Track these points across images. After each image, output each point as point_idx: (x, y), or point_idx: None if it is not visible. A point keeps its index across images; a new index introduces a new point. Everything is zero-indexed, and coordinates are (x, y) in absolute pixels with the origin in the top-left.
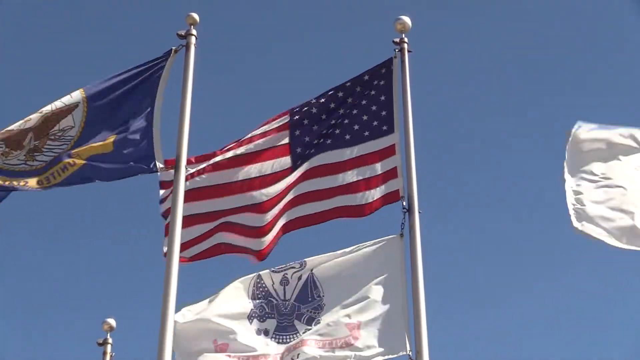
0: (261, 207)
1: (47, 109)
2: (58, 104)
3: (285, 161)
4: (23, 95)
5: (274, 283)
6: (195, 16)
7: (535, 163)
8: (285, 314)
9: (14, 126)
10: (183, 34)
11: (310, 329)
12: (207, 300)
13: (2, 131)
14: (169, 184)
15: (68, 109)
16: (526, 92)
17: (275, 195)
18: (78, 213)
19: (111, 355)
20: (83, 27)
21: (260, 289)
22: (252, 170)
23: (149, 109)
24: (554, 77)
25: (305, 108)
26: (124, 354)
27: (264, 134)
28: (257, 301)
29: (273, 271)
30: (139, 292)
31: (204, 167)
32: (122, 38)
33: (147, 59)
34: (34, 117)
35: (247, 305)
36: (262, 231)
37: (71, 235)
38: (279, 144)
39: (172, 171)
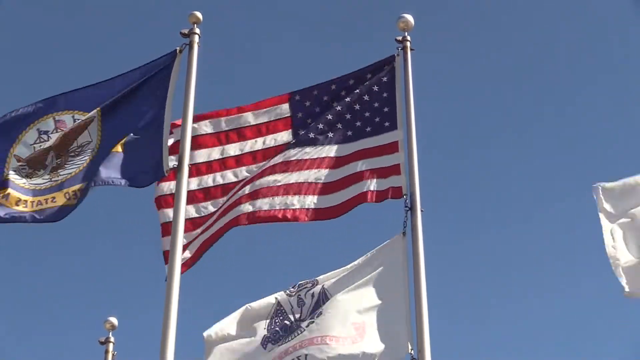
0: (249, 181)
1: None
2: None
3: (287, 136)
4: (25, 96)
5: (292, 307)
6: (199, 15)
7: (539, 162)
8: (295, 329)
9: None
10: (186, 32)
11: (314, 321)
12: (233, 322)
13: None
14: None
15: (84, 124)
16: (528, 90)
17: (266, 168)
18: (80, 211)
19: (113, 354)
20: (85, 25)
21: (280, 316)
22: (248, 145)
23: (158, 116)
24: (556, 76)
25: (306, 91)
26: (126, 353)
27: (259, 105)
28: (273, 327)
29: (289, 295)
30: (141, 290)
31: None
32: (125, 37)
33: (151, 57)
34: (53, 136)
35: (263, 333)
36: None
37: (73, 234)
38: (280, 117)
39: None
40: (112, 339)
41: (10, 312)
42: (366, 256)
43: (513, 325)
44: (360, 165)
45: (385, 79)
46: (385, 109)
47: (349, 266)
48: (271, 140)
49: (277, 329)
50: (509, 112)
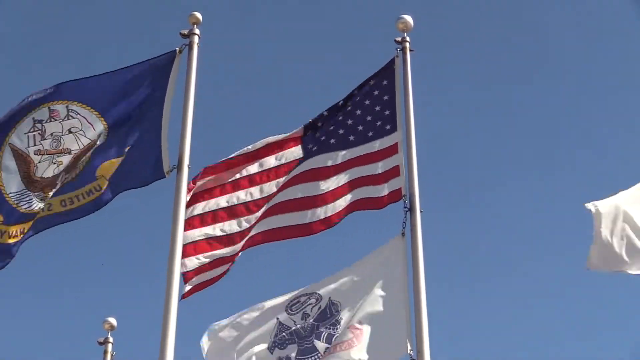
0: (255, 204)
1: (75, 147)
2: (84, 140)
3: (297, 152)
4: (24, 95)
5: (295, 322)
6: (198, 15)
7: (538, 161)
8: (305, 336)
9: (49, 173)
10: (186, 33)
11: (330, 347)
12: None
13: (38, 178)
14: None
15: (93, 143)
16: (528, 91)
17: (271, 193)
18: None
19: (112, 355)
20: (85, 25)
21: (283, 331)
22: (259, 164)
23: (157, 116)
24: (556, 75)
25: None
26: (124, 354)
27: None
28: (280, 334)
29: (290, 314)
30: (140, 290)
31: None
32: (125, 37)
33: (150, 58)
34: (65, 160)
35: (268, 340)
36: (246, 233)
37: (72, 233)
38: (292, 137)
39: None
40: (110, 340)
41: (8, 312)
42: (365, 258)
43: (513, 326)
44: (363, 171)
45: (385, 82)
46: (387, 112)
47: (346, 270)
48: (282, 157)
49: (284, 334)
50: (508, 112)
